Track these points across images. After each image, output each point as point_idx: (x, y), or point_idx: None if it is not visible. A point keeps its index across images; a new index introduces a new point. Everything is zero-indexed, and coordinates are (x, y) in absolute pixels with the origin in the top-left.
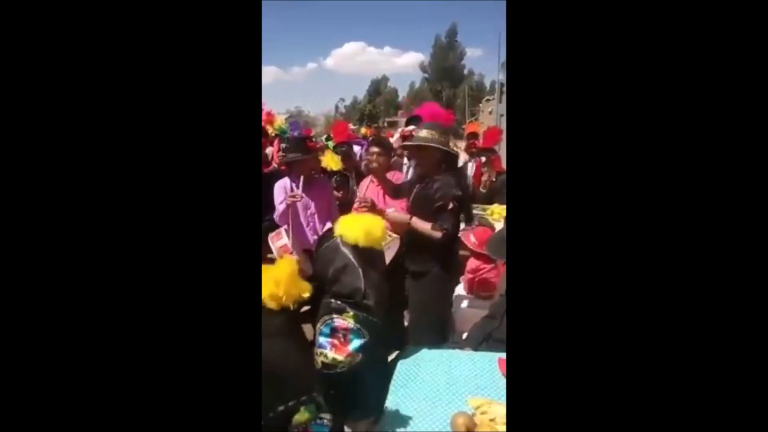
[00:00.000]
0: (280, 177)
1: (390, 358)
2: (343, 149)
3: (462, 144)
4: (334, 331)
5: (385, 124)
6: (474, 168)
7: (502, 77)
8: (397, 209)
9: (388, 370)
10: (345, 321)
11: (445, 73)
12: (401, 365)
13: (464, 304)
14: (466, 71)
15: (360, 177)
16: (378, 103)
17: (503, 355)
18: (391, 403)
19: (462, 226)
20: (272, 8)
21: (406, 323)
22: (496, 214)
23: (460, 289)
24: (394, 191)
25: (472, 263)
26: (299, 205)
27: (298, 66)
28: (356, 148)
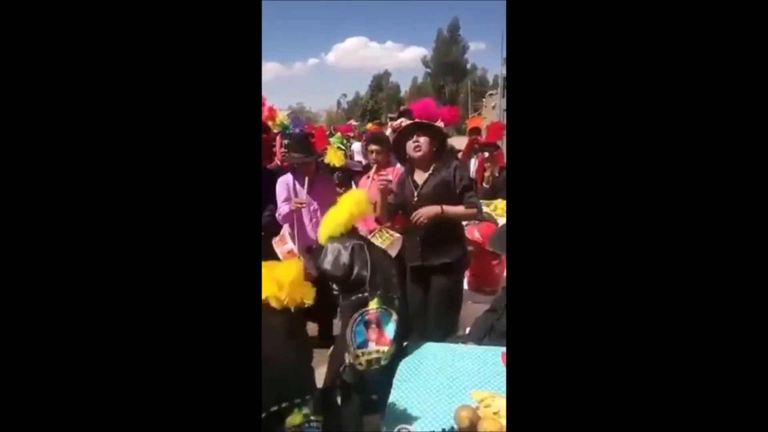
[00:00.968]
0: (282, 173)
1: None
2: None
3: (464, 140)
4: (368, 325)
5: (388, 120)
6: (477, 164)
7: (505, 72)
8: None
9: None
10: (372, 310)
11: (448, 68)
12: (405, 360)
13: (467, 299)
14: (469, 66)
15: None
16: (380, 98)
17: (506, 349)
18: (395, 397)
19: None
20: (273, 5)
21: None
22: (500, 210)
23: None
24: (390, 211)
25: (475, 258)
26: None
27: (300, 61)
28: (356, 145)
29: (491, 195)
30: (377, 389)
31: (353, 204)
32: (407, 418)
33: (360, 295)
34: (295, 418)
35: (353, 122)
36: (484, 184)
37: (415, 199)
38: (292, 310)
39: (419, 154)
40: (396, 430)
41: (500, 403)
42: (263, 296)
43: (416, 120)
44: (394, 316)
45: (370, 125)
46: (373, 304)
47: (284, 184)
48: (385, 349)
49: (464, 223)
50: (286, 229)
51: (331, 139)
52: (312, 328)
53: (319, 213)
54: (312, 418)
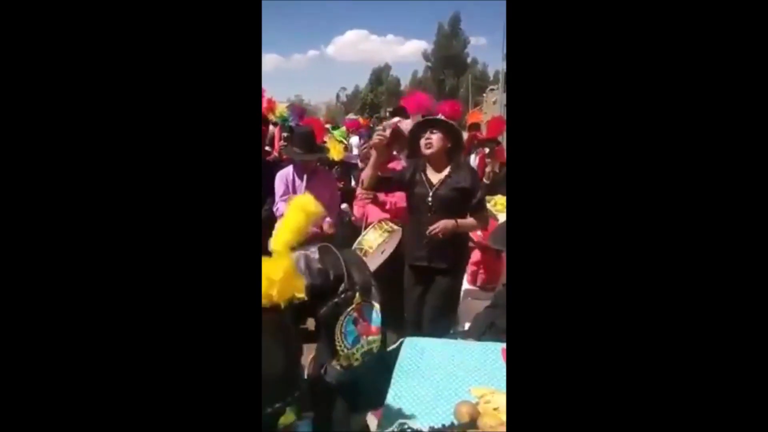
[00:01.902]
0: (281, 166)
1: (392, 347)
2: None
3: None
4: (356, 322)
5: (387, 114)
6: (477, 159)
7: (505, 67)
8: (398, 199)
9: (390, 357)
10: (356, 306)
11: (448, 61)
12: (404, 355)
13: (467, 295)
14: (469, 60)
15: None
16: (380, 92)
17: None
18: (394, 393)
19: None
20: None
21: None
22: (500, 206)
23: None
24: (386, 181)
25: (476, 255)
26: None
27: (299, 53)
28: (354, 139)
29: (491, 191)
30: (361, 386)
31: (300, 208)
32: (407, 413)
33: (342, 296)
34: (288, 417)
35: (361, 120)
36: (485, 180)
37: (429, 199)
38: (282, 306)
39: (430, 151)
40: (395, 425)
41: (500, 399)
42: None
43: (416, 115)
44: (376, 306)
45: (362, 120)
46: (356, 299)
47: (283, 178)
48: (376, 338)
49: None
50: None
51: (335, 132)
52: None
53: None
54: (304, 414)
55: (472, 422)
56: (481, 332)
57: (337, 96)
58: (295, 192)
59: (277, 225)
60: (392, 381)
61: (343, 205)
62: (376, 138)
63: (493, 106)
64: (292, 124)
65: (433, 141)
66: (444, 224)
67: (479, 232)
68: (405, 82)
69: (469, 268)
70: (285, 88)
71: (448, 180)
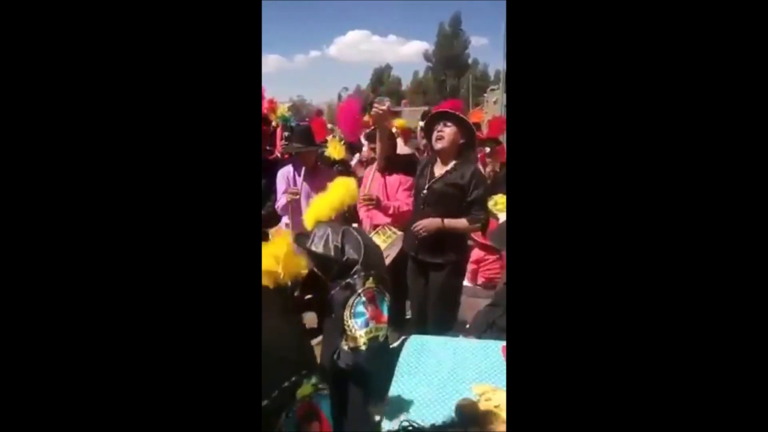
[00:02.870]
0: (283, 165)
1: (394, 345)
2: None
3: None
4: (366, 305)
5: None
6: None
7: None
8: (401, 203)
9: (393, 352)
10: (369, 289)
11: (449, 62)
12: (406, 353)
13: (468, 293)
14: (470, 60)
15: None
16: (381, 92)
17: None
18: (396, 390)
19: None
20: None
21: (408, 313)
22: (500, 205)
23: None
24: (389, 161)
25: (476, 254)
26: (301, 194)
27: (301, 54)
28: None
29: (492, 190)
30: (375, 370)
31: (344, 189)
32: (409, 410)
33: (354, 277)
34: (305, 389)
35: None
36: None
37: (425, 191)
38: (289, 284)
39: (440, 145)
40: (397, 423)
41: (501, 397)
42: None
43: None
44: (387, 296)
45: (367, 117)
46: (370, 283)
47: (284, 175)
48: (383, 326)
49: None
50: (284, 222)
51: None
52: (311, 321)
53: None
54: (320, 386)
55: (474, 420)
56: (482, 330)
57: (339, 96)
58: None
59: (316, 198)
60: (394, 379)
61: None
62: (374, 112)
63: (493, 106)
64: (293, 123)
65: (444, 134)
66: (427, 223)
67: None
68: (406, 83)
69: (470, 267)
70: (287, 88)
71: (448, 175)
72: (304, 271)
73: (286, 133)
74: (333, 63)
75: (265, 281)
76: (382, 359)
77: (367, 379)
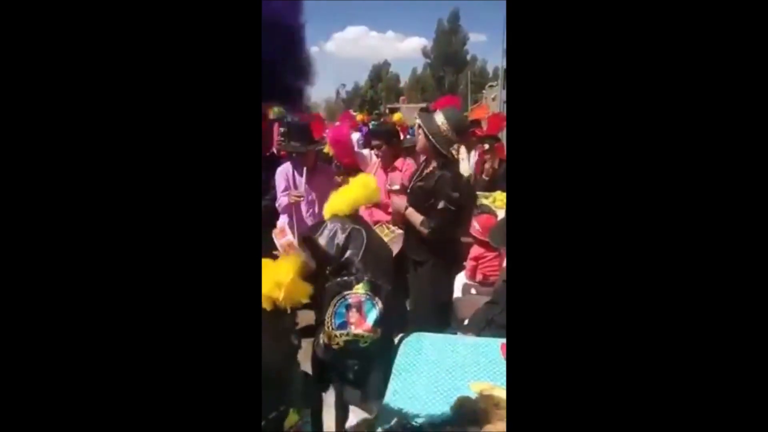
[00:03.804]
0: (279, 163)
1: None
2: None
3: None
4: (349, 308)
5: (387, 111)
6: (477, 156)
7: (505, 63)
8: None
9: (392, 351)
10: (356, 294)
11: (448, 58)
12: (404, 350)
13: (466, 290)
14: (469, 57)
15: None
16: (379, 89)
17: (505, 340)
18: (394, 388)
19: None
20: None
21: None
22: (499, 202)
23: (462, 276)
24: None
25: (475, 250)
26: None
27: None
28: (355, 135)
29: (491, 187)
30: (353, 363)
31: (364, 187)
32: (406, 408)
33: (346, 277)
34: (291, 419)
35: (351, 112)
36: (484, 176)
37: (409, 189)
38: (288, 311)
39: (417, 147)
40: (395, 420)
41: (499, 394)
42: None
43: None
44: (379, 305)
45: (360, 116)
46: (359, 289)
47: (283, 173)
48: (365, 334)
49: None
50: (285, 221)
51: None
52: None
53: (317, 204)
54: (306, 419)
55: (472, 418)
56: (481, 328)
57: (337, 92)
58: (296, 187)
59: (335, 193)
60: (392, 376)
61: None
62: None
63: (492, 103)
64: (289, 119)
65: (419, 136)
66: (398, 202)
67: (476, 226)
68: (404, 79)
69: (468, 264)
70: None
71: (426, 177)
72: (305, 300)
73: (282, 129)
74: (331, 59)
75: (264, 304)
76: (360, 363)
77: (341, 369)
